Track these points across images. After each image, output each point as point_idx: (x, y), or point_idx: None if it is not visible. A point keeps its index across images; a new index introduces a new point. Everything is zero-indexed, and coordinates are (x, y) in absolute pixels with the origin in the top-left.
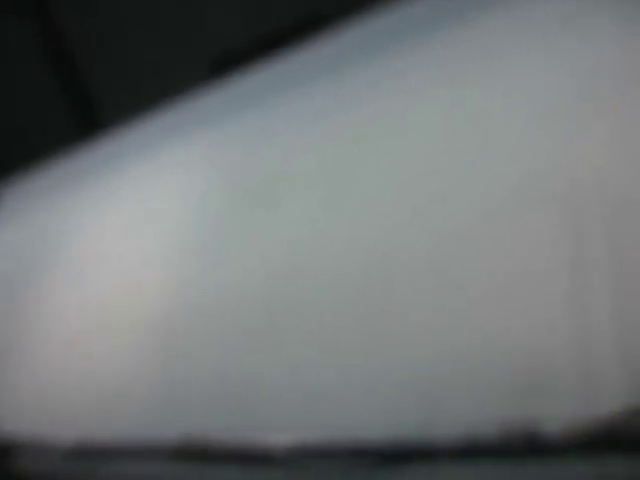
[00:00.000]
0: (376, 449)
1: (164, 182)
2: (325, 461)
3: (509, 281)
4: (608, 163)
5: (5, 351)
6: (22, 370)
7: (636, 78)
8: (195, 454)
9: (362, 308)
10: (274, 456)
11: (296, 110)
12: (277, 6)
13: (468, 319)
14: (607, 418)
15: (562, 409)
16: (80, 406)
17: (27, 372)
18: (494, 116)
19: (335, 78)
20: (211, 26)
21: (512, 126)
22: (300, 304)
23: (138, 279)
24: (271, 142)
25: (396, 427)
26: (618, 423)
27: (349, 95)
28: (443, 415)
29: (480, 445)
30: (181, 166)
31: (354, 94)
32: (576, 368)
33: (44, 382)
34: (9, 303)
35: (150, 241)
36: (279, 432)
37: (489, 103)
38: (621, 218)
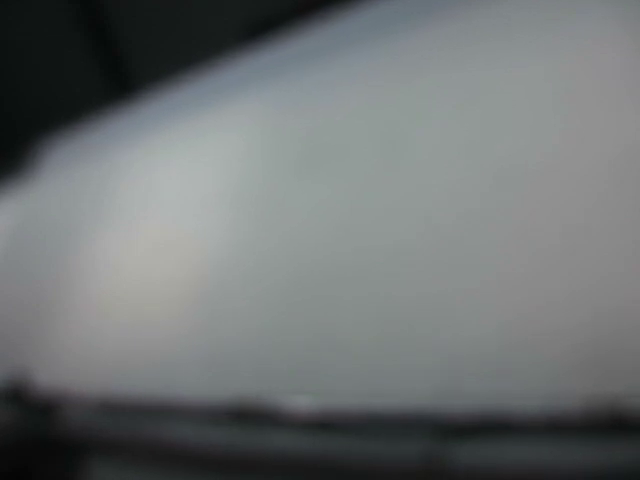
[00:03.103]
0: (450, 418)
1: (207, 144)
2: (397, 430)
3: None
4: None
5: (49, 307)
6: (66, 325)
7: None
8: (249, 417)
9: (418, 278)
10: (339, 422)
11: (341, 75)
12: None
13: (538, 283)
14: None
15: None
16: (123, 364)
17: (71, 327)
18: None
19: (378, 45)
20: None
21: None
22: (347, 272)
23: (182, 240)
24: (316, 108)
25: (464, 397)
26: None
27: (399, 62)
28: (515, 386)
29: (562, 421)
30: (225, 128)
31: (404, 61)
32: None
33: (88, 338)
34: (54, 258)
35: (194, 203)
36: (340, 398)
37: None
38: None
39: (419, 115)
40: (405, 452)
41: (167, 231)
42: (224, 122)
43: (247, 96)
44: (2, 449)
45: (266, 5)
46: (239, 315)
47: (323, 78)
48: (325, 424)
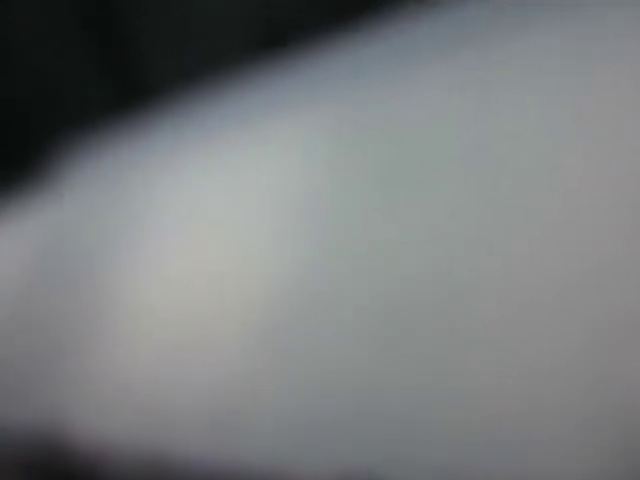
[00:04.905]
0: None
1: (260, 159)
2: None
3: None
4: None
5: (78, 346)
6: (101, 368)
7: None
8: None
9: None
10: None
11: (417, 85)
12: None
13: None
14: None
15: None
16: (169, 415)
17: (108, 371)
18: None
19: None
20: None
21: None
22: (435, 306)
23: (235, 267)
24: (390, 119)
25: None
26: None
27: (480, 74)
28: None
29: None
30: (281, 141)
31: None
32: None
33: (125, 381)
34: (86, 285)
35: (245, 225)
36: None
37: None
38: None
39: (506, 132)
40: None
41: (220, 257)
42: (279, 134)
43: (304, 107)
44: None
45: (280, 13)
46: (315, 357)
47: (395, 86)
48: None
